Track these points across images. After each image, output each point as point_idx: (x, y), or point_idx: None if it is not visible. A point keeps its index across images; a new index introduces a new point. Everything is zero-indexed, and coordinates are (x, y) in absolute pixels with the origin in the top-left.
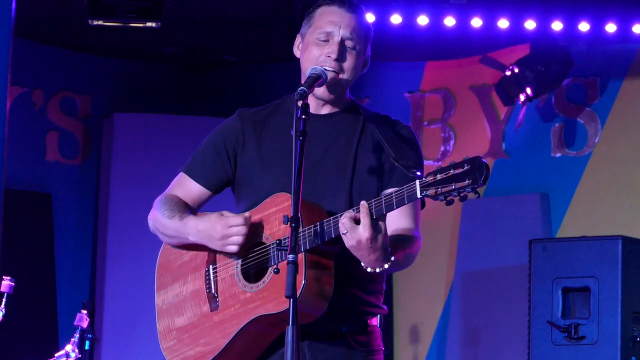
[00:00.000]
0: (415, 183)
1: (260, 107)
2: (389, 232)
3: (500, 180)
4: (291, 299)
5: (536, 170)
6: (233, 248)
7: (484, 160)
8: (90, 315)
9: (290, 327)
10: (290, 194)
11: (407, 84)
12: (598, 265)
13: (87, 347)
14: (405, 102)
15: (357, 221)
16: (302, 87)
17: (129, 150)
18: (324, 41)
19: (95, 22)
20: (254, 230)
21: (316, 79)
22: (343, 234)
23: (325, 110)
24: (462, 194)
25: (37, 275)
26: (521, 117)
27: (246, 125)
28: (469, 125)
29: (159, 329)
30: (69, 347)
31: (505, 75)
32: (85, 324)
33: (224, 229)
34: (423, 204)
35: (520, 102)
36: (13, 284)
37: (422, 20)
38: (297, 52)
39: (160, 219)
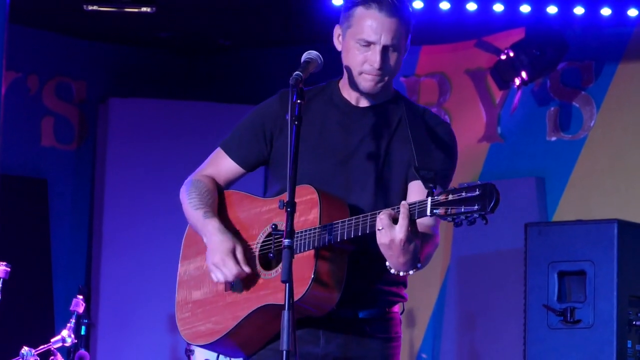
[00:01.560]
0: (427, 200)
1: (306, 89)
2: None
3: (496, 164)
4: (287, 284)
5: (531, 154)
6: (213, 277)
7: (496, 187)
8: (86, 300)
9: (285, 312)
10: (315, 187)
11: (402, 68)
12: (594, 248)
13: (83, 333)
14: (401, 87)
15: (394, 220)
16: (297, 72)
17: (125, 135)
18: (365, 46)
19: (90, 8)
20: (276, 219)
21: (311, 64)
22: (378, 229)
23: (365, 103)
24: (469, 219)
25: (33, 261)
26: (516, 101)
27: (285, 108)
28: (464, 110)
29: (177, 299)
30: (65, 333)
31: (501, 59)
32: (81, 309)
33: (221, 262)
34: None
35: (515, 86)
36: (9, 269)
37: (417, 4)
38: (337, 45)
39: (186, 205)
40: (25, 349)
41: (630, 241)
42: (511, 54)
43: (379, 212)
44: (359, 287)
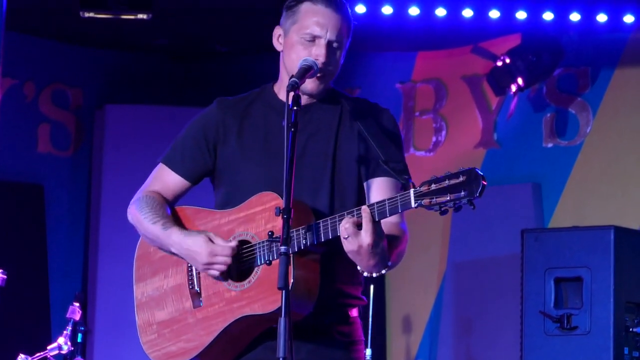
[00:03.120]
0: (409, 192)
1: (240, 96)
2: None
3: (492, 170)
4: (283, 291)
5: (528, 160)
6: (215, 274)
7: (479, 171)
8: (83, 307)
9: (282, 318)
10: (275, 192)
11: (398, 74)
12: (590, 255)
13: (79, 340)
14: (397, 93)
15: (359, 226)
16: (293, 79)
17: (121, 141)
18: (310, 41)
19: (87, 14)
20: (239, 229)
21: (308, 70)
22: (344, 238)
23: (303, 101)
24: (456, 205)
25: (30, 268)
26: (512, 107)
27: (227, 115)
28: (460, 116)
29: (138, 323)
30: (61, 340)
31: (497, 66)
32: (77, 317)
33: (210, 256)
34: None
35: (511, 92)
36: (5, 276)
37: (413, 10)
38: (277, 45)
39: (141, 221)
40: (21, 357)
41: (627, 247)
42: (507, 60)
43: (343, 217)
44: (321, 292)
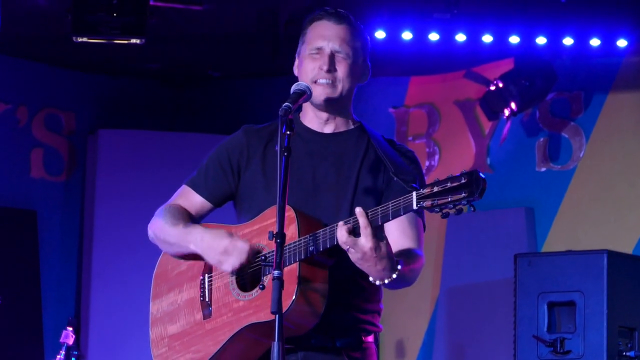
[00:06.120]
0: (412, 194)
1: (266, 124)
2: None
3: (485, 194)
4: (277, 315)
5: (521, 184)
6: (227, 267)
7: (481, 174)
8: (76, 332)
9: (276, 342)
10: (291, 206)
11: (391, 99)
12: (583, 279)
13: None
14: (390, 118)
15: (355, 233)
16: (286, 103)
17: (114, 166)
18: (316, 54)
19: (80, 39)
20: (252, 241)
21: (300, 95)
22: (346, 250)
23: (329, 129)
24: (457, 207)
25: (23, 292)
26: (505, 131)
27: (251, 141)
28: (453, 140)
29: (151, 337)
30: None
31: (490, 90)
32: (70, 341)
33: (230, 244)
34: (424, 227)
35: (504, 117)
36: None
37: (406, 35)
38: (296, 71)
39: (162, 226)
40: None
41: (620, 272)
42: (500, 85)
43: (340, 225)
44: (336, 315)
